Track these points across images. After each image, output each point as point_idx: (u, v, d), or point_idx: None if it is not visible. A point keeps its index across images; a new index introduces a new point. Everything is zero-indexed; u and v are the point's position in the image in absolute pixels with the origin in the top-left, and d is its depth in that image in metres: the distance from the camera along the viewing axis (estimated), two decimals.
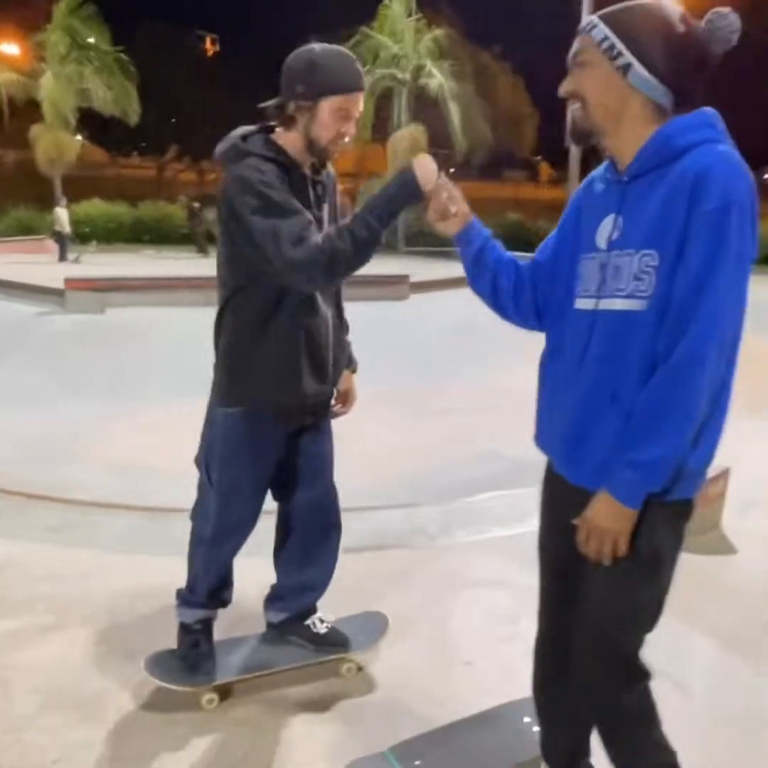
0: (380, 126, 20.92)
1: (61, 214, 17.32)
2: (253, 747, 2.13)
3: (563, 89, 1.55)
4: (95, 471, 4.62)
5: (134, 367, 7.70)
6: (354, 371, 2.60)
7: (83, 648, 2.58)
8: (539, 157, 53.92)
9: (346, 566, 3.17)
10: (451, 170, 38.71)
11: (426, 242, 19.60)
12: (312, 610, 2.50)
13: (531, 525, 3.50)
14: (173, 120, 35.71)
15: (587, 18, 1.57)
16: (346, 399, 2.58)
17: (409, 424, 5.97)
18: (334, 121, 2.02)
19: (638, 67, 1.44)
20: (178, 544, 3.41)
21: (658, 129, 1.46)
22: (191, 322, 9.86)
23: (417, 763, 1.96)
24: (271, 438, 2.27)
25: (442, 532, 3.53)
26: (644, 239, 1.43)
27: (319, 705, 2.30)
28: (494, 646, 2.67)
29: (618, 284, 1.47)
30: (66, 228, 17.38)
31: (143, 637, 2.61)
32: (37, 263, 16.05)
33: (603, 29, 1.48)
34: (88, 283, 11.32)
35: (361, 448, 5.29)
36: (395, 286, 13.14)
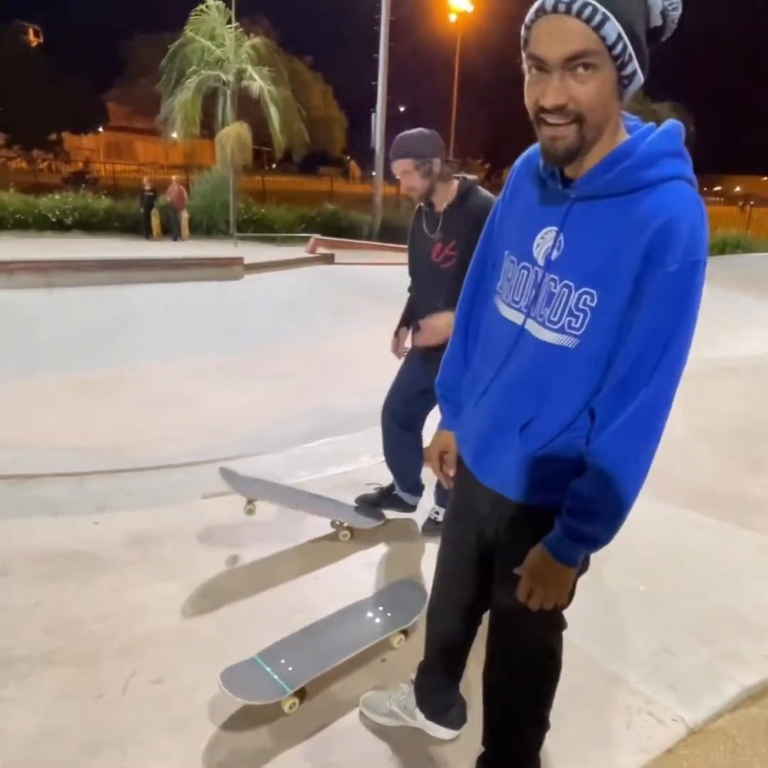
0: (208, 123, 19.90)
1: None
2: None
3: (552, 100, 1.05)
4: None
5: None
6: None
7: None
8: (349, 157, 54.23)
9: (206, 510, 3.13)
10: (273, 165, 38.02)
11: (255, 229, 19.10)
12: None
13: (359, 464, 3.69)
14: (2, 110, 31.65)
15: None
16: None
17: (245, 388, 5.89)
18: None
19: (640, 74, 1.05)
20: (47, 505, 3.19)
21: (618, 146, 1.12)
22: (37, 303, 9.16)
23: (282, 661, 2.00)
24: None
25: (287, 474, 3.55)
26: (586, 275, 1.15)
27: None
28: (339, 560, 2.76)
29: (551, 314, 1.20)
30: None
31: (17, 593, 2.42)
32: None
33: (616, 26, 0.99)
34: None
35: (203, 413, 5.19)
36: (230, 267, 12.73)
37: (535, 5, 1.03)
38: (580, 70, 1.02)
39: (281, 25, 33.09)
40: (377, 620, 2.19)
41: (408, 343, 2.89)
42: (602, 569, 2.65)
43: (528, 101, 1.09)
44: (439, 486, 2.97)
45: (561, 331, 1.19)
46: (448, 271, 2.54)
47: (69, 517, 3.04)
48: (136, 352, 7.00)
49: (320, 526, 2.96)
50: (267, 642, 2.10)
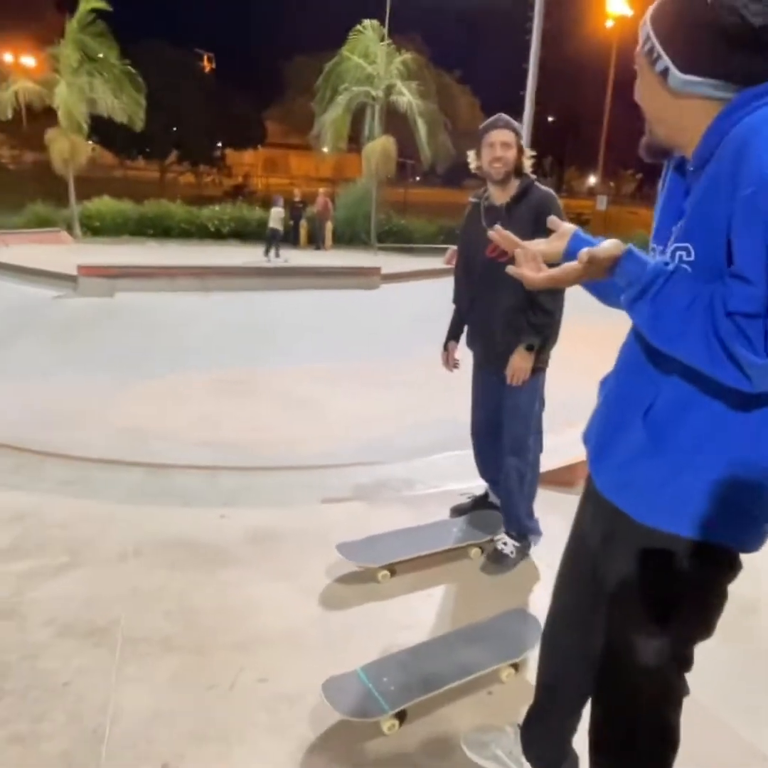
0: (356, 137, 20.65)
1: (275, 213, 16.34)
2: None
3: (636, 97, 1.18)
4: (100, 433, 4.52)
5: (138, 345, 7.56)
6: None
7: (92, 584, 2.52)
8: None
9: (326, 513, 3.17)
10: (418, 178, 38.65)
11: (395, 240, 19.48)
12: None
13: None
14: (174, 128, 34.98)
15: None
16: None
17: (373, 395, 5.94)
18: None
19: (674, 70, 1.06)
20: (180, 496, 3.40)
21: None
22: (190, 306, 9.91)
23: (384, 679, 1.95)
24: None
25: (405, 486, 3.51)
26: (686, 231, 1.09)
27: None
28: (455, 580, 2.67)
29: None
30: (278, 226, 16.29)
31: (145, 576, 2.58)
32: (55, 252, 15.55)
33: (647, 28, 1.10)
34: (100, 269, 11.00)
35: (332, 416, 5.30)
36: (368, 277, 13.04)
37: None
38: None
39: (433, 40, 33.74)
40: (486, 649, 2.07)
41: (458, 355, 2.96)
42: (750, 623, 2.34)
43: None
44: (506, 507, 2.81)
45: None
46: (505, 266, 2.41)
47: (198, 509, 3.20)
48: (275, 354, 7.33)
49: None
50: (371, 655, 2.06)
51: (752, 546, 1.14)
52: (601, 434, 1.26)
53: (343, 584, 2.56)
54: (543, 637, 1.55)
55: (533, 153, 2.70)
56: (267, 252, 15.97)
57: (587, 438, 1.33)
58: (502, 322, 2.66)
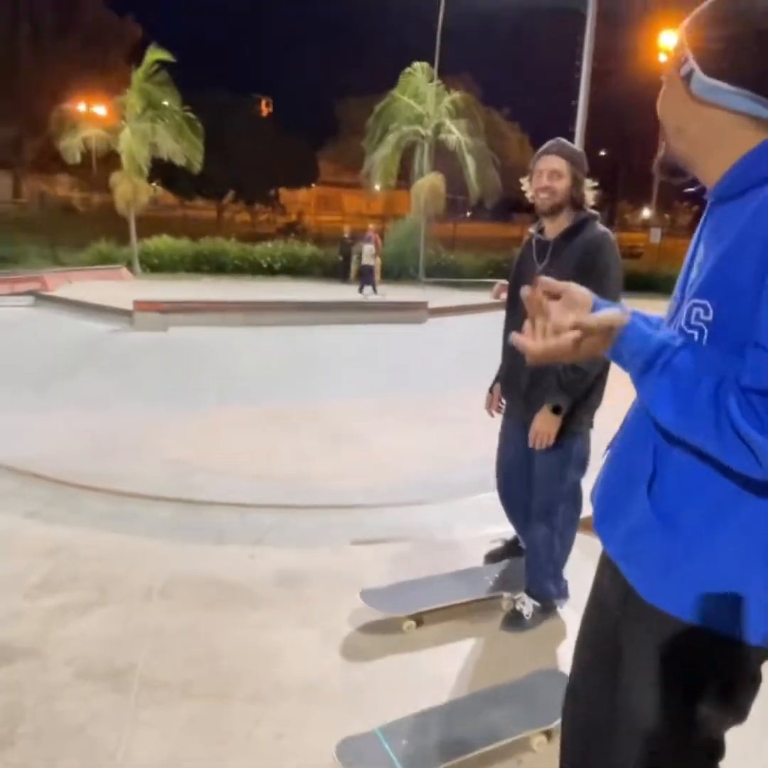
0: (405, 175, 20.99)
1: (367, 250, 16.86)
2: None
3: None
4: (146, 466, 4.57)
5: (190, 378, 7.71)
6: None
7: (117, 624, 2.49)
8: None
9: (355, 555, 3.09)
10: (468, 213, 38.93)
11: (443, 274, 19.53)
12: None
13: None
14: (232, 169, 36.39)
15: None
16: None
17: (416, 431, 5.85)
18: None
19: (699, 73, 0.95)
20: (213, 532, 3.38)
21: (754, 147, 0.95)
22: (239, 340, 10.11)
23: (404, 742, 1.83)
24: None
25: (444, 529, 3.40)
26: (703, 286, 0.96)
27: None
28: (486, 634, 2.53)
29: None
30: (371, 262, 16.82)
31: (170, 616, 2.53)
32: (115, 288, 16.22)
33: (682, 34, 0.99)
34: (154, 305, 11.36)
35: (375, 452, 5.23)
36: (415, 311, 13.08)
37: None
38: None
39: (482, 79, 34.35)
40: (516, 713, 1.93)
41: (504, 401, 2.73)
42: None
43: None
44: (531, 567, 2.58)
45: None
46: None
47: (229, 547, 3.16)
48: (321, 388, 7.35)
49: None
50: (392, 711, 1.94)
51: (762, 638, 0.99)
52: (606, 499, 1.15)
53: (366, 634, 2.46)
54: (564, 708, 1.42)
55: (595, 184, 2.41)
56: (361, 289, 16.61)
57: (593, 499, 1.22)
58: (528, 374, 2.43)
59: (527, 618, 2.53)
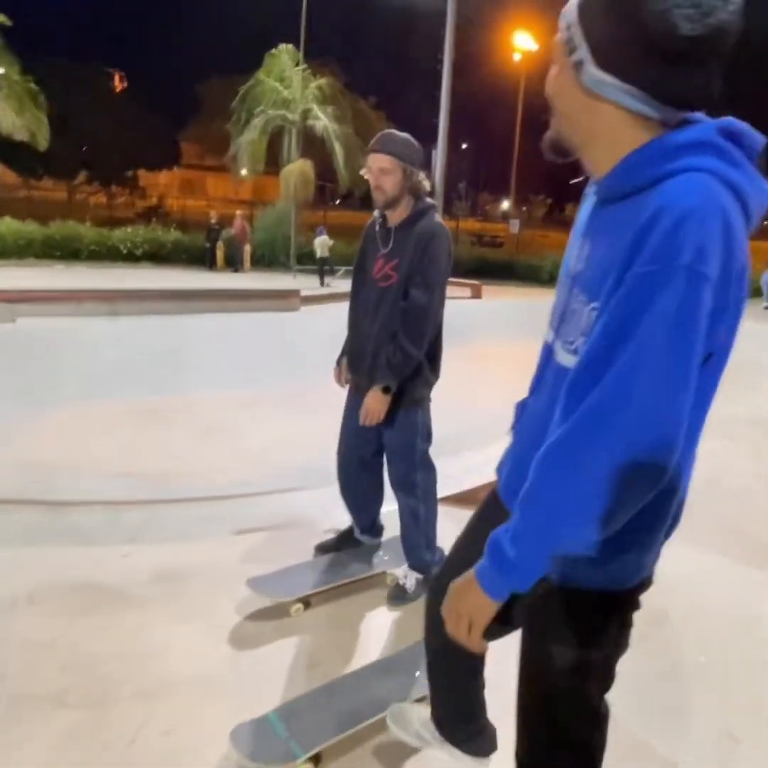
0: (273, 160, 20.57)
1: (319, 242, 16.78)
2: None
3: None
4: (4, 467, 4.19)
5: (42, 373, 7.11)
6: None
7: None
8: None
9: (236, 547, 3.04)
10: (337, 201, 38.92)
11: (314, 261, 19.47)
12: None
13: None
14: (84, 147, 33.79)
15: None
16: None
17: (294, 420, 5.84)
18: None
19: (590, 64, 0.93)
20: (81, 534, 3.18)
21: (636, 149, 0.95)
22: (95, 331, 9.47)
23: (297, 721, 1.85)
24: None
25: (324, 515, 3.43)
26: (594, 288, 0.98)
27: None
28: (368, 611, 2.60)
29: (569, 334, 1.05)
30: (326, 254, 16.86)
31: (38, 625, 2.37)
32: None
33: (572, 11, 0.95)
34: None
35: (252, 444, 5.15)
36: (287, 299, 12.94)
37: None
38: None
39: (349, 66, 34.46)
40: (402, 683, 2.01)
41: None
42: (657, 635, 2.40)
43: None
44: (406, 538, 2.69)
45: (575, 353, 1.02)
46: (385, 291, 2.47)
47: (100, 548, 3.00)
48: (192, 380, 7.08)
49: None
50: (285, 695, 1.96)
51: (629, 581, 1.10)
52: (514, 474, 1.18)
53: (255, 621, 2.45)
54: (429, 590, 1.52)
55: (425, 173, 2.45)
56: (322, 281, 16.27)
57: (499, 471, 1.29)
58: (372, 353, 2.50)
59: (410, 591, 2.63)
